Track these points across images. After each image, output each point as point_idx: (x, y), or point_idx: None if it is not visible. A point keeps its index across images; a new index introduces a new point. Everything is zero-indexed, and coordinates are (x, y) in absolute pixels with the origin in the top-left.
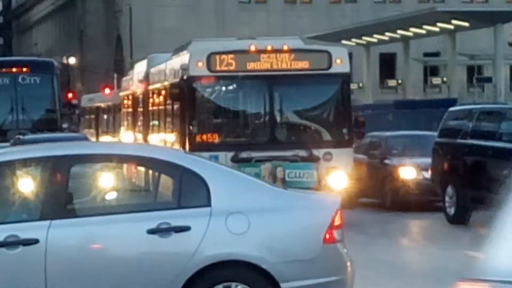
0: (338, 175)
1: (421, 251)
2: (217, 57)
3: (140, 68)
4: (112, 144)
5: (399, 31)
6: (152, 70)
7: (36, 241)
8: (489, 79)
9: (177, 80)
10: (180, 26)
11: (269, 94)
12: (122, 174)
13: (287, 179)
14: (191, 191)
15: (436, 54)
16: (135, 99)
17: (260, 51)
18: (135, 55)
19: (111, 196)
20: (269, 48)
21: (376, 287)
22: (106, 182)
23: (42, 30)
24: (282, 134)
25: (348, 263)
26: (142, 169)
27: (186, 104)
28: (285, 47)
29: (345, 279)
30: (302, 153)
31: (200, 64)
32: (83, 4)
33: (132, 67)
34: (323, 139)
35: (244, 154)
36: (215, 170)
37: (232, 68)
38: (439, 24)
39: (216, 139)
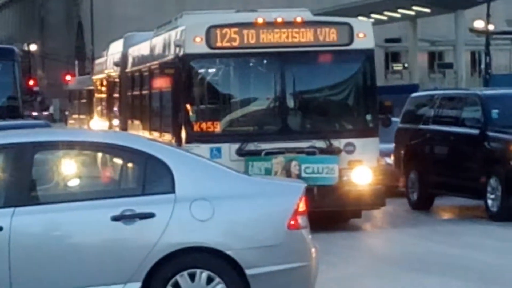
0: (363, 170)
1: (384, 237)
2: (218, 31)
3: (115, 49)
4: (76, 131)
5: (360, 18)
6: (131, 50)
7: (0, 229)
8: (450, 65)
9: (168, 59)
10: (140, 13)
11: (280, 74)
12: (85, 161)
13: (303, 175)
14: (155, 177)
15: (397, 40)
16: (110, 83)
17: (269, 24)
18: (96, 41)
19: (75, 183)
20: (279, 20)
21: (339, 272)
22: (70, 169)
23: (2, 17)
24: (296, 121)
25: (313, 249)
26: (106, 155)
27: (181, 86)
28: (298, 19)
29: (310, 265)
30: (320, 144)
31: (198, 39)
32: None
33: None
34: (344, 127)
35: (251, 146)
36: (179, 156)
37: (236, 44)
38: (400, 10)
39: (217, 128)
